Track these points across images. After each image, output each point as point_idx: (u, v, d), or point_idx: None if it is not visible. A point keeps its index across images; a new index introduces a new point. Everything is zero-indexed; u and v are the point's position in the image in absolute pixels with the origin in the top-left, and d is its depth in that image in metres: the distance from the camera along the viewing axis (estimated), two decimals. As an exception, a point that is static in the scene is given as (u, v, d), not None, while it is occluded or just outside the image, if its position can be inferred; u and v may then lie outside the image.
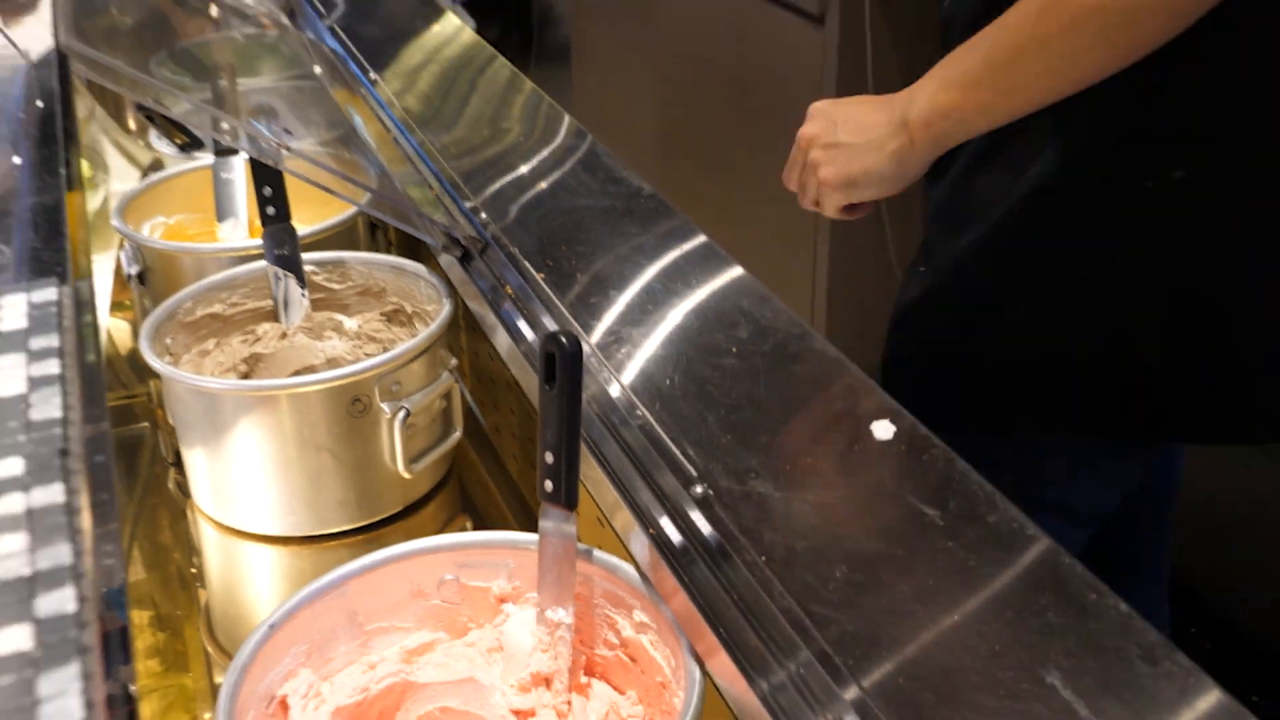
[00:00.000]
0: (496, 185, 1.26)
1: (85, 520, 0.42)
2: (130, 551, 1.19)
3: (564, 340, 0.73)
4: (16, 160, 0.72)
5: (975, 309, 1.16)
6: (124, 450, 1.29)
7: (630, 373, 0.87)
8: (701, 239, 1.08)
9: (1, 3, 1.09)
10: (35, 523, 0.41)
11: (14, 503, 0.43)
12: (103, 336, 1.46)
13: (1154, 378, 1.10)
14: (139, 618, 1.04)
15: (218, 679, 1.01)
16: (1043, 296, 1.11)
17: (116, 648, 0.51)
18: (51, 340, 0.50)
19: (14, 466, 0.44)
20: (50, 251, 0.64)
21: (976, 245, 1.14)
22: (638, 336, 0.92)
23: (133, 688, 0.52)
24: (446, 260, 1.18)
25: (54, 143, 0.79)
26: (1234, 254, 1.06)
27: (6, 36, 0.87)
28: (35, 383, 0.49)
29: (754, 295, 1.00)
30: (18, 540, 0.41)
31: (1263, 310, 1.07)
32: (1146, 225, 1.06)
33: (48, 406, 0.47)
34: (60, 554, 0.40)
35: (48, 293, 0.56)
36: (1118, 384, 1.11)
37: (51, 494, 0.42)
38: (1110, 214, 1.07)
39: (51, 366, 0.50)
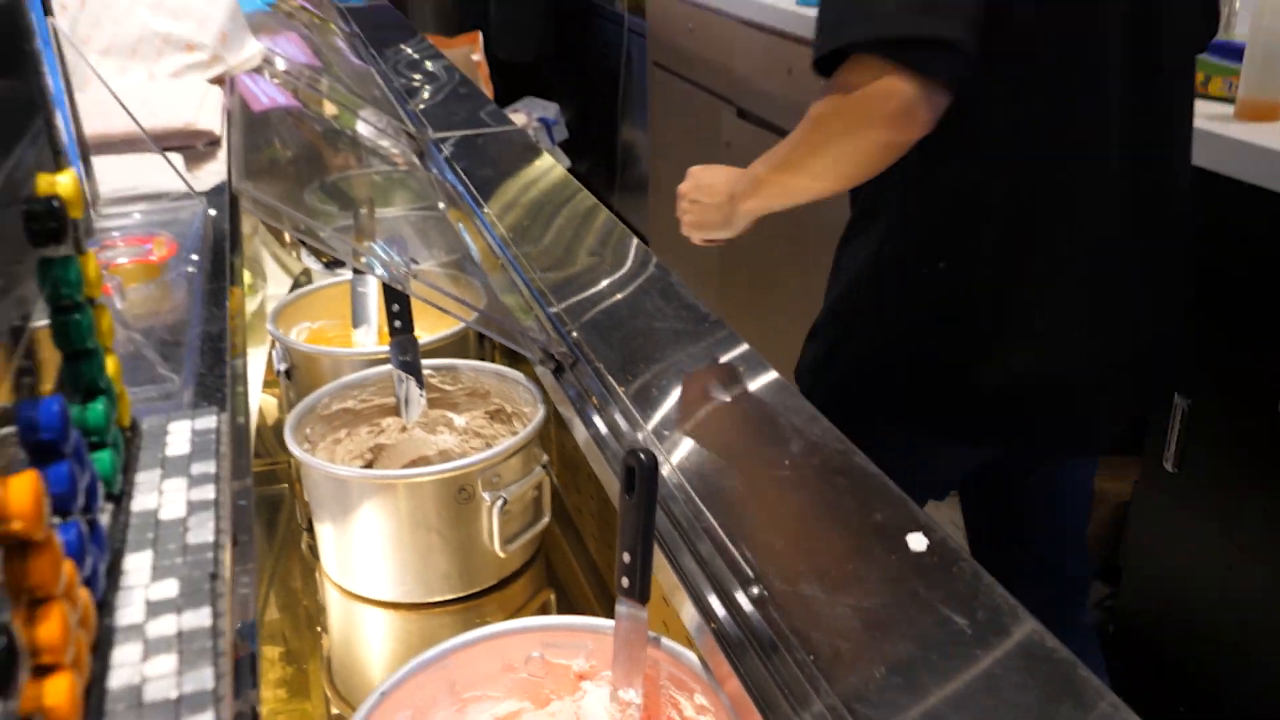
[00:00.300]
0: (577, 298, 1.26)
1: (226, 643, 0.40)
2: (266, 594, 1.19)
3: (642, 457, 0.71)
4: (191, 294, 0.72)
5: (838, 342, 1.35)
6: (266, 506, 1.28)
7: (698, 481, 0.85)
8: (763, 368, 1.06)
9: (185, 151, 1.10)
10: (184, 645, 0.39)
11: (167, 625, 0.41)
12: (254, 408, 1.46)
13: (963, 397, 1.25)
14: (270, 651, 1.03)
15: (334, 709, 1.00)
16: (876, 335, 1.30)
17: (246, 672, 0.49)
18: (209, 466, 0.49)
19: (169, 589, 0.43)
20: (213, 377, 0.63)
21: (837, 300, 1.34)
22: (705, 448, 0.90)
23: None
24: (541, 369, 1.16)
25: (222, 276, 0.79)
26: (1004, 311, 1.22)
27: (185, 181, 0.88)
28: (193, 507, 0.48)
29: (805, 414, 0.97)
30: (168, 662, 0.39)
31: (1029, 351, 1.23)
32: (935, 298, 1.25)
33: (203, 530, 0.45)
34: (204, 678, 0.38)
35: (208, 420, 0.55)
36: (942, 402, 1.26)
37: (200, 618, 0.41)
38: (911, 286, 1.25)
39: (208, 492, 0.49)
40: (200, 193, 0.96)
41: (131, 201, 0.93)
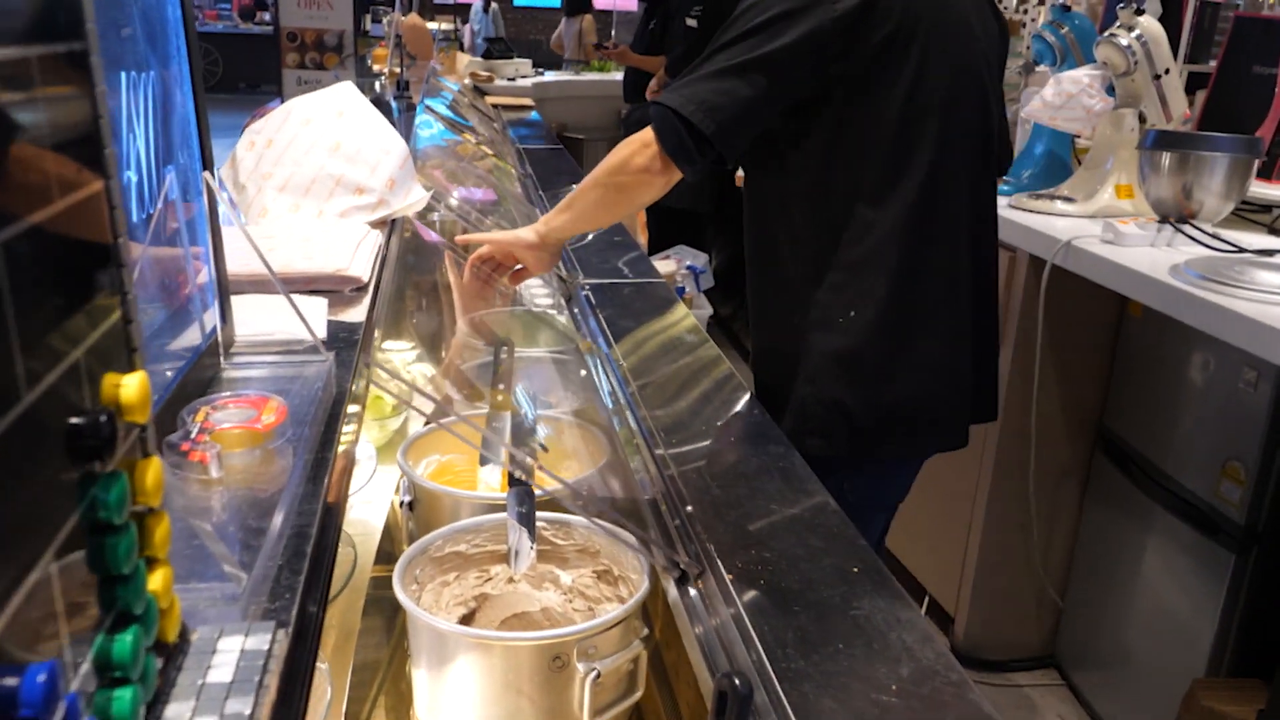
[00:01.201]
0: (686, 448, 1.24)
1: None
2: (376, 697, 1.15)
3: (736, 683, 0.60)
4: (291, 467, 0.65)
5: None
6: (387, 608, 1.26)
7: (799, 714, 0.73)
8: (877, 573, 0.93)
9: (333, 295, 1.07)
10: None
11: None
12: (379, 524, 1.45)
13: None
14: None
15: None
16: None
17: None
18: (245, 706, 0.41)
19: None
20: (289, 575, 0.55)
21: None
22: (812, 674, 0.78)
23: None
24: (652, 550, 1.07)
25: (330, 445, 0.72)
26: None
27: (315, 339, 0.82)
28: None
29: (918, 632, 0.85)
30: None
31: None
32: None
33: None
34: None
35: (263, 638, 0.47)
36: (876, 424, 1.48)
37: None
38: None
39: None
40: (330, 348, 0.90)
41: (263, 350, 0.88)
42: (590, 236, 2.31)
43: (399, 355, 1.85)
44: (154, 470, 0.43)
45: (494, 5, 10.17)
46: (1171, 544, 2.09)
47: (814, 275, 1.47)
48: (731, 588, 0.95)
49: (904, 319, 1.47)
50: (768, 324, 1.59)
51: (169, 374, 0.72)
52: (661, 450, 1.22)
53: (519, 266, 1.60)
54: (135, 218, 0.68)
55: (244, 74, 13.88)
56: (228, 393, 0.74)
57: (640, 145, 1.40)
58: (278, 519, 0.58)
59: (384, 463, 1.63)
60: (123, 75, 0.67)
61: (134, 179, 0.68)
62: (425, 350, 1.88)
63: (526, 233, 1.55)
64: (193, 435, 0.65)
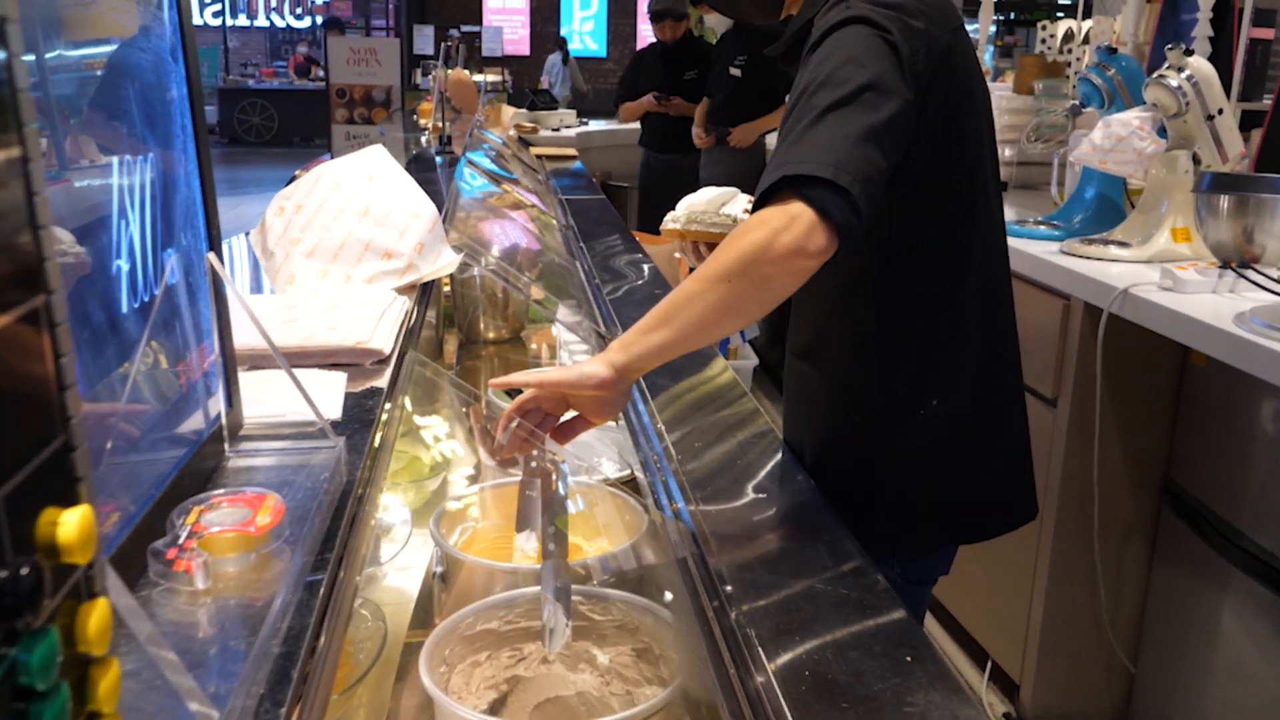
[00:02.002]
0: (717, 506, 1.20)
1: None
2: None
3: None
4: (284, 574, 0.60)
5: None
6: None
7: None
8: (933, 663, 0.85)
9: (353, 368, 1.02)
10: None
11: None
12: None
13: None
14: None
15: None
16: None
17: None
18: None
19: None
20: (270, 705, 0.49)
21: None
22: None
23: None
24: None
25: (331, 545, 0.66)
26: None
27: (323, 425, 0.77)
28: None
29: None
30: None
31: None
32: None
33: None
34: None
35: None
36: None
37: None
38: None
39: None
40: (344, 426, 0.85)
41: (273, 434, 0.84)
42: (625, 288, 2.25)
43: (431, 432, 1.82)
44: (99, 615, 0.37)
45: (572, 60, 10.13)
46: (1249, 606, 1.97)
47: (886, 366, 1.34)
48: (774, 680, 0.87)
49: (991, 394, 1.37)
50: (822, 420, 1.42)
51: (165, 468, 0.68)
52: (697, 516, 1.18)
53: (571, 415, 1.22)
54: (126, 306, 0.64)
55: (298, 129, 14.30)
56: (223, 490, 0.69)
57: (784, 222, 1.10)
58: (261, 637, 0.52)
59: (420, 526, 1.59)
60: (114, 160, 0.63)
61: (125, 266, 0.64)
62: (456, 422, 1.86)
63: (596, 366, 1.16)
64: (180, 541, 0.60)
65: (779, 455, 1.38)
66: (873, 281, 1.32)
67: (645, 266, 2.52)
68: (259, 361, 0.98)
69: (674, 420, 1.51)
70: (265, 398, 0.92)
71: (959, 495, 1.38)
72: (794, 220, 1.09)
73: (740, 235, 1.12)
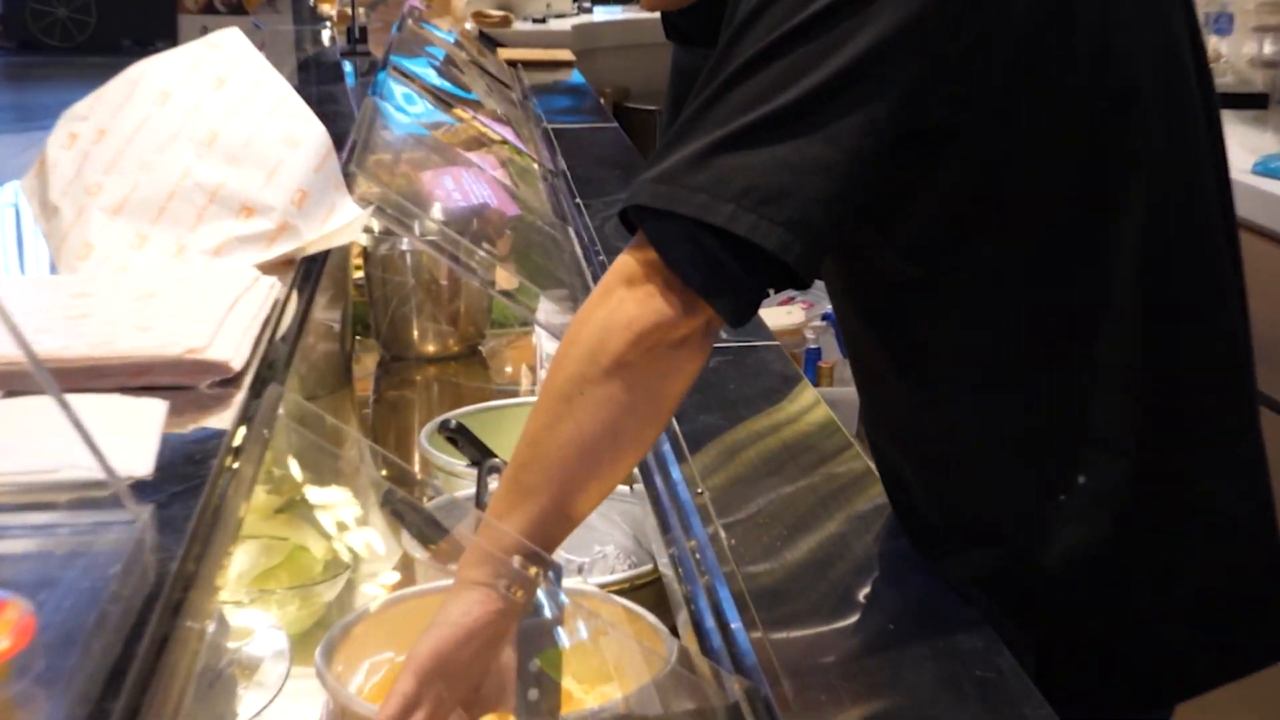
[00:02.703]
0: (798, 632, 1.26)
1: None
2: None
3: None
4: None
5: None
6: None
7: None
8: None
9: (182, 393, 1.02)
10: None
11: None
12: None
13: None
14: None
15: None
16: None
17: None
18: None
19: None
20: None
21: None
22: None
23: None
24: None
25: (122, 678, 0.64)
26: None
27: (109, 471, 0.75)
28: None
29: None
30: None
31: None
32: None
33: None
34: None
35: None
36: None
37: None
38: None
39: None
40: (158, 491, 0.94)
41: (26, 507, 0.85)
42: None
43: (329, 513, 1.82)
44: None
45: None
46: None
47: (995, 438, 1.39)
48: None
49: (1173, 463, 1.39)
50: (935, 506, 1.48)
51: None
52: (764, 649, 1.20)
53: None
54: None
55: (128, 26, 14.37)
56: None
57: (626, 290, 1.21)
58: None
59: (303, 664, 1.57)
60: None
61: None
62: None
63: (465, 598, 1.24)
64: None
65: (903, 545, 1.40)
66: (956, 323, 1.37)
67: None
68: (18, 383, 0.99)
69: (728, 486, 1.52)
70: (23, 443, 0.93)
71: (1139, 627, 1.42)
72: (630, 285, 1.21)
73: (572, 330, 1.25)
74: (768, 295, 1.26)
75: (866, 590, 1.34)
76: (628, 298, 1.19)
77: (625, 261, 1.21)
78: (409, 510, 1.58)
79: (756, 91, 1.17)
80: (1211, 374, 1.41)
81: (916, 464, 1.47)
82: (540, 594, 1.27)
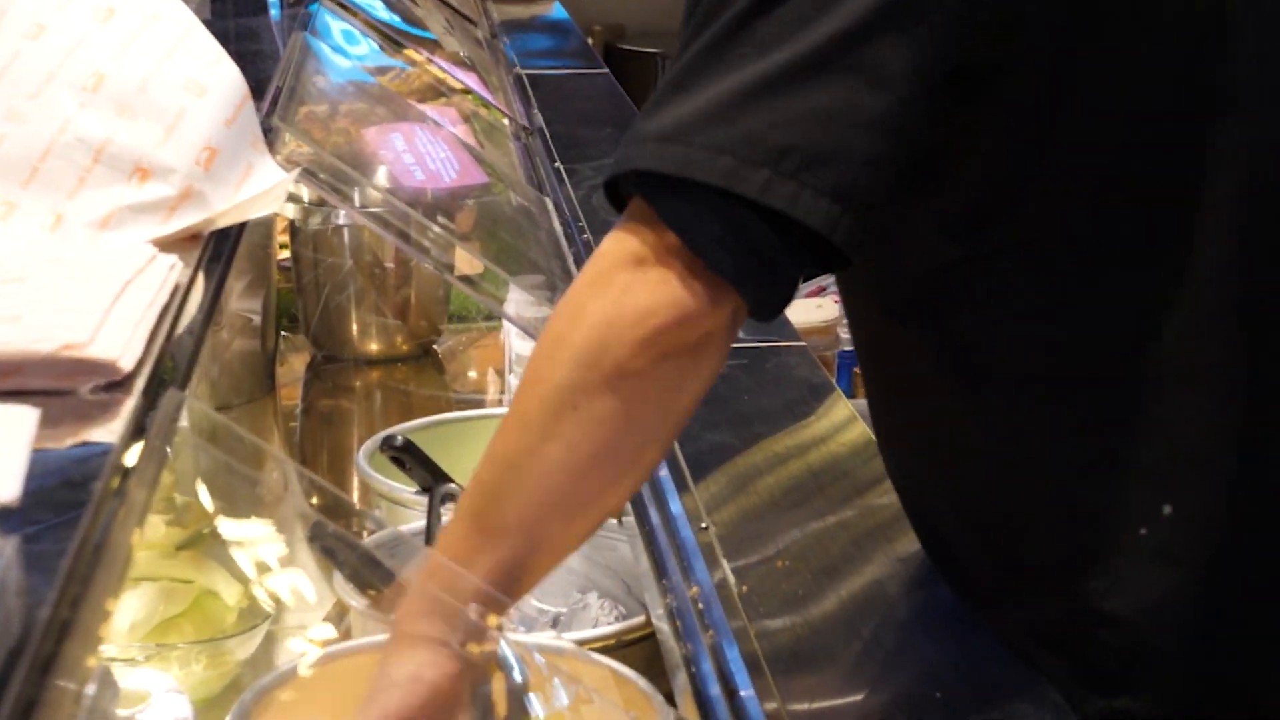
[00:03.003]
0: (828, 702, 1.28)
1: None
2: None
3: None
4: None
5: None
6: None
7: None
8: None
9: (59, 397, 1.15)
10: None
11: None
12: None
13: None
14: None
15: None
16: None
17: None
18: None
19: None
20: None
21: None
22: None
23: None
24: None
25: None
26: None
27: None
28: None
29: None
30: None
31: None
32: None
33: None
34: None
35: None
36: None
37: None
38: None
39: None
40: (12, 528, 0.95)
41: None
42: None
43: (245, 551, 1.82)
44: None
45: None
46: None
47: (1060, 456, 1.40)
48: None
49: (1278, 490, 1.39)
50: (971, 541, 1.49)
51: None
52: (783, 716, 1.22)
53: None
54: None
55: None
56: None
57: (626, 277, 1.21)
58: None
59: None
60: None
61: None
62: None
63: (411, 658, 1.25)
64: None
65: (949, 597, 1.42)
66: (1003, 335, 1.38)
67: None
68: None
69: (740, 521, 1.54)
70: None
71: (1236, 697, 1.41)
72: (636, 265, 1.20)
73: (552, 322, 1.27)
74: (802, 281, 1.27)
75: (907, 650, 1.36)
76: (635, 287, 1.18)
77: (625, 240, 1.20)
78: (343, 547, 1.59)
79: (786, 22, 1.16)
80: None
81: (957, 496, 1.47)
82: (507, 651, 1.28)
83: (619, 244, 1.20)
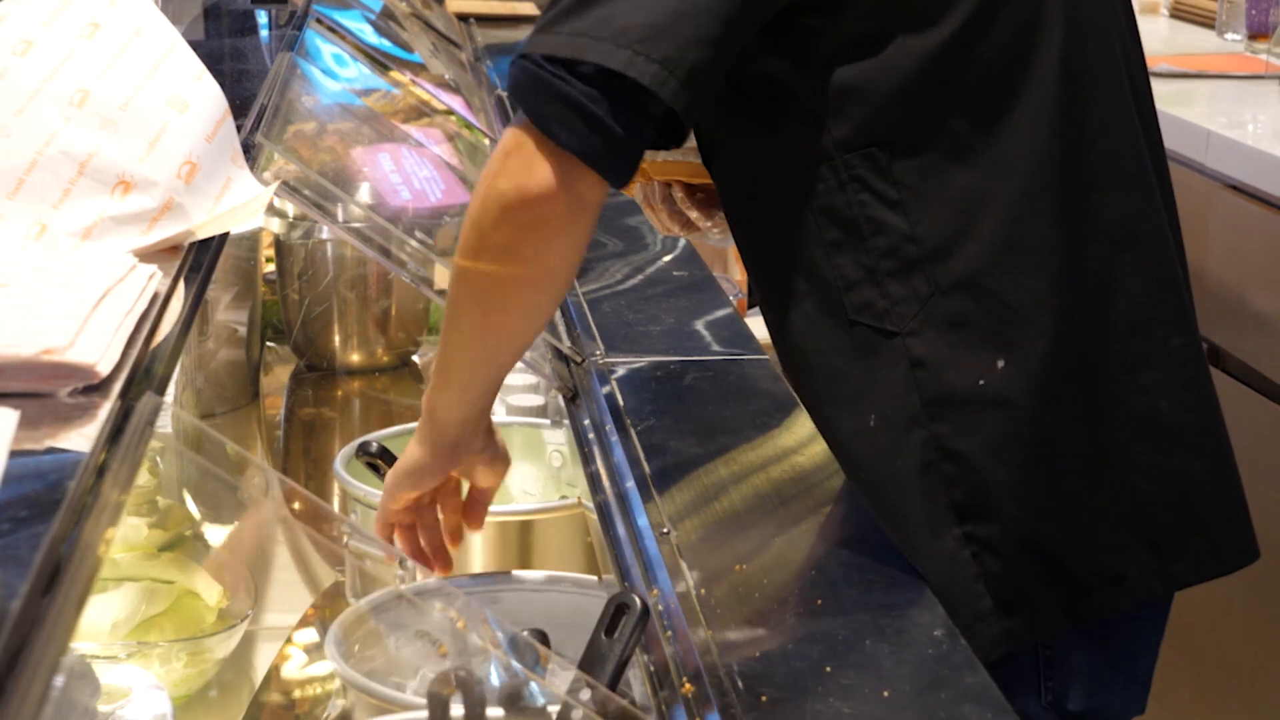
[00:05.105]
0: None
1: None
2: None
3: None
4: None
5: None
6: None
7: None
8: None
9: (35, 399, 1.14)
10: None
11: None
12: None
13: None
14: None
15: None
16: None
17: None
18: None
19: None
20: None
21: None
22: None
23: None
24: None
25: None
26: None
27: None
28: None
29: None
30: None
31: None
32: None
33: None
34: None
35: None
36: None
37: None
38: None
39: None
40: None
41: None
42: (619, 266, 2.29)
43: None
44: None
45: None
46: None
47: (891, 309, 1.57)
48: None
49: (1097, 346, 1.59)
50: (826, 413, 1.67)
51: None
52: None
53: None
54: None
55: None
56: None
57: (501, 163, 1.42)
58: None
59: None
60: None
61: None
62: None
63: (412, 449, 1.62)
64: None
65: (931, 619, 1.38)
66: (835, 166, 1.55)
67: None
68: None
69: (701, 530, 1.52)
70: None
71: (1069, 536, 1.59)
72: (507, 156, 1.40)
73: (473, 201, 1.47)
74: (646, 149, 1.46)
75: (858, 649, 1.30)
76: (501, 171, 1.40)
77: (504, 138, 1.42)
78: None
79: None
80: (1134, 258, 1.60)
81: (830, 369, 1.63)
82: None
83: (500, 142, 1.42)
